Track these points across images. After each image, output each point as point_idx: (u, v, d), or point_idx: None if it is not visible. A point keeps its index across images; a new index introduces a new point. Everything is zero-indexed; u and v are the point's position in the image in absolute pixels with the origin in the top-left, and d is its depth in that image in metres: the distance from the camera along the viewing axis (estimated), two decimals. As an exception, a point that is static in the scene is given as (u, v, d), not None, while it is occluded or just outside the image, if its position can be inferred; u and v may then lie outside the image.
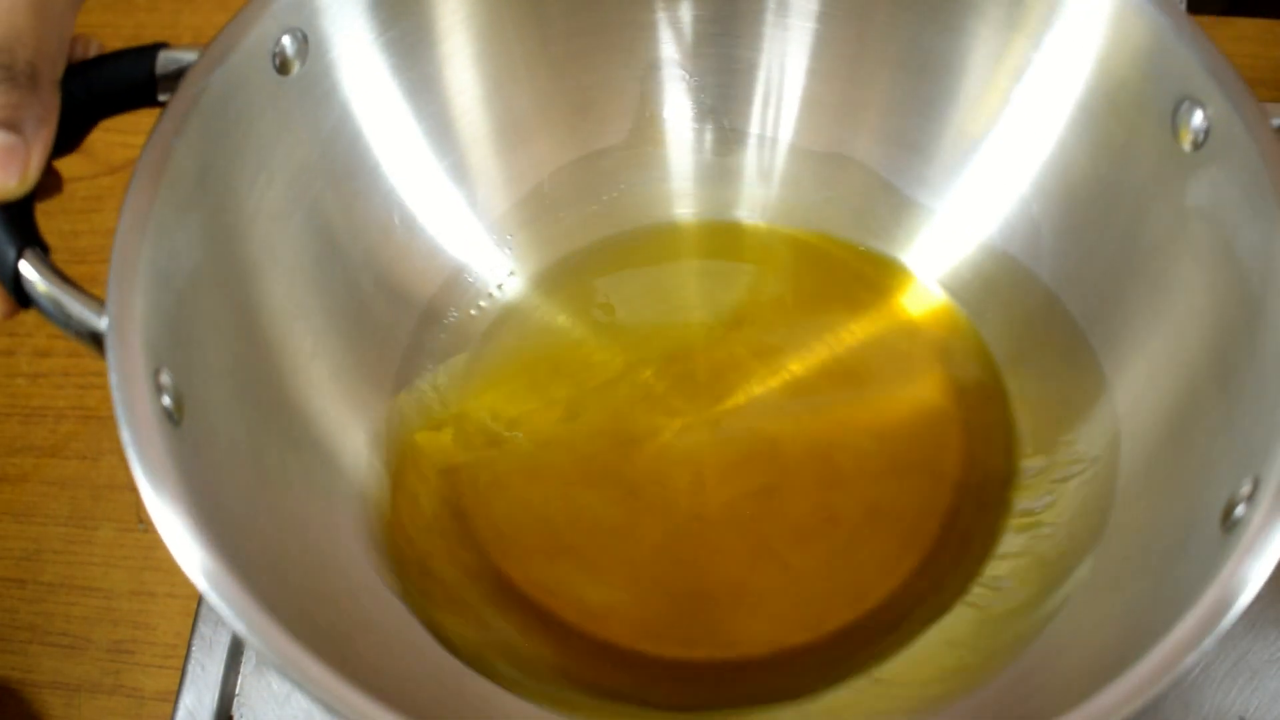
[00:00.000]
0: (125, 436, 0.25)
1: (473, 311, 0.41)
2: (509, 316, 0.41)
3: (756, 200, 0.43)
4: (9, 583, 0.42)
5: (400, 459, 0.37)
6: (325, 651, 0.24)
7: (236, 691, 0.39)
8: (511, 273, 0.41)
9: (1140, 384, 0.34)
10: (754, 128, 0.42)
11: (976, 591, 0.35)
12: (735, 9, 0.40)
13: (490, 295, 0.41)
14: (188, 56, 0.31)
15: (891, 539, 0.36)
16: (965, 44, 0.37)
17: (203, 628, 0.40)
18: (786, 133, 0.42)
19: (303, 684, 0.24)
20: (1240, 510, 0.26)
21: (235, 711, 0.39)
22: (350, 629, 0.30)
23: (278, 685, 0.39)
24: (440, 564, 0.36)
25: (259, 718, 0.39)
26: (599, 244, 0.42)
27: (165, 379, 0.27)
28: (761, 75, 0.41)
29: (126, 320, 0.27)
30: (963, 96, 0.39)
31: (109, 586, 0.42)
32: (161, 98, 0.31)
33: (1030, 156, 0.37)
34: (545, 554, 0.36)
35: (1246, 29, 0.51)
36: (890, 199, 0.41)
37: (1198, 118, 0.30)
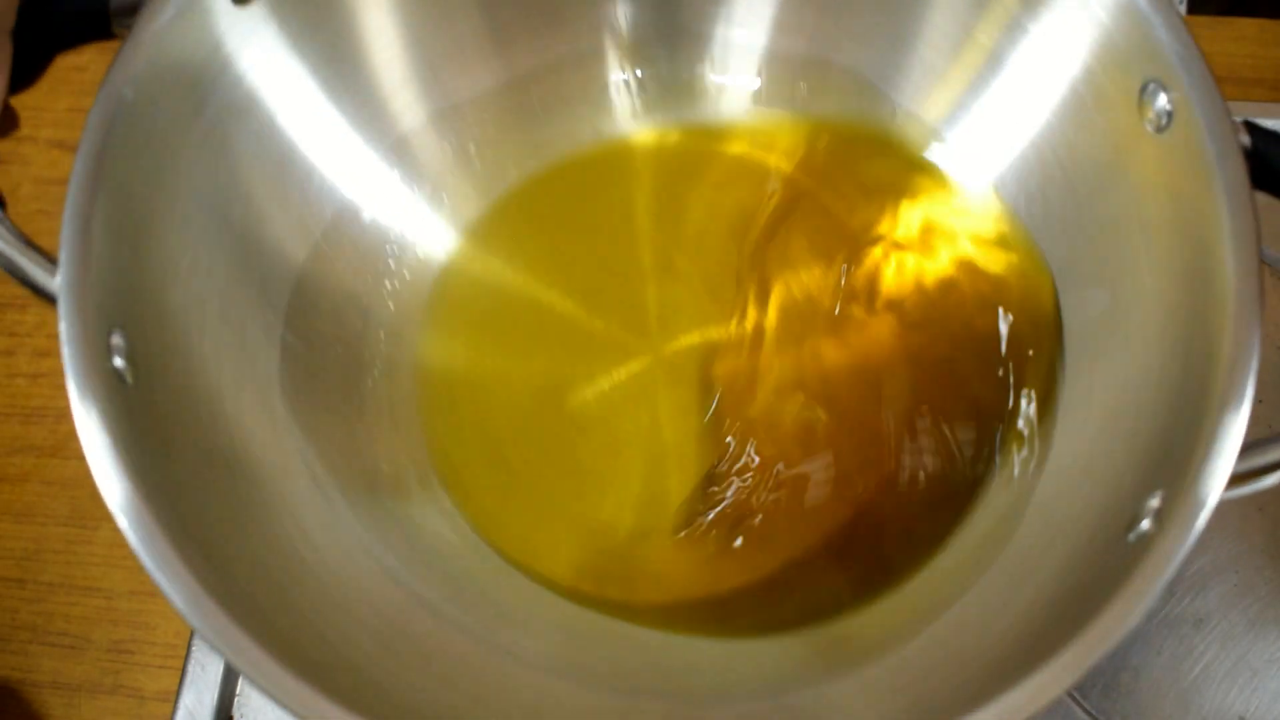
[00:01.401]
0: (73, 396, 0.25)
1: (426, 272, 0.40)
2: (453, 267, 0.40)
3: (713, 122, 0.41)
4: (9, 583, 0.42)
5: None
6: (265, 617, 0.24)
7: (237, 692, 0.39)
8: (449, 219, 0.40)
9: (1082, 366, 0.34)
10: (714, 50, 0.41)
11: (902, 548, 0.35)
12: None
13: (432, 249, 0.40)
14: None
15: (838, 482, 0.36)
16: None
17: (203, 628, 0.40)
18: (749, 61, 0.41)
19: (221, 649, 0.24)
20: (1146, 524, 0.26)
21: (235, 711, 0.39)
22: (289, 593, 0.30)
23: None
24: (395, 500, 0.36)
25: (259, 718, 0.39)
26: (542, 177, 0.41)
27: (117, 340, 0.27)
28: None
29: (80, 279, 0.26)
30: (939, 42, 0.38)
31: (109, 586, 0.42)
32: (117, 31, 0.30)
33: (1001, 109, 0.37)
34: (496, 490, 0.36)
35: (1246, 29, 0.51)
36: (855, 133, 0.40)
37: (1162, 100, 0.30)
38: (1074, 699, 0.37)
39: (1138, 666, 0.38)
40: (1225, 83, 0.49)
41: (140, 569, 0.43)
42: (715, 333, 0.38)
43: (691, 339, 0.38)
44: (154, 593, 0.43)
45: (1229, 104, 0.28)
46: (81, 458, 0.25)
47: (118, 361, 0.26)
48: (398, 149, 0.39)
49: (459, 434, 0.37)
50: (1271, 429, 0.41)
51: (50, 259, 0.27)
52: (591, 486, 0.37)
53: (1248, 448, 0.25)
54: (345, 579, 0.32)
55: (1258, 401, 0.42)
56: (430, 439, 0.37)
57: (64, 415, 0.46)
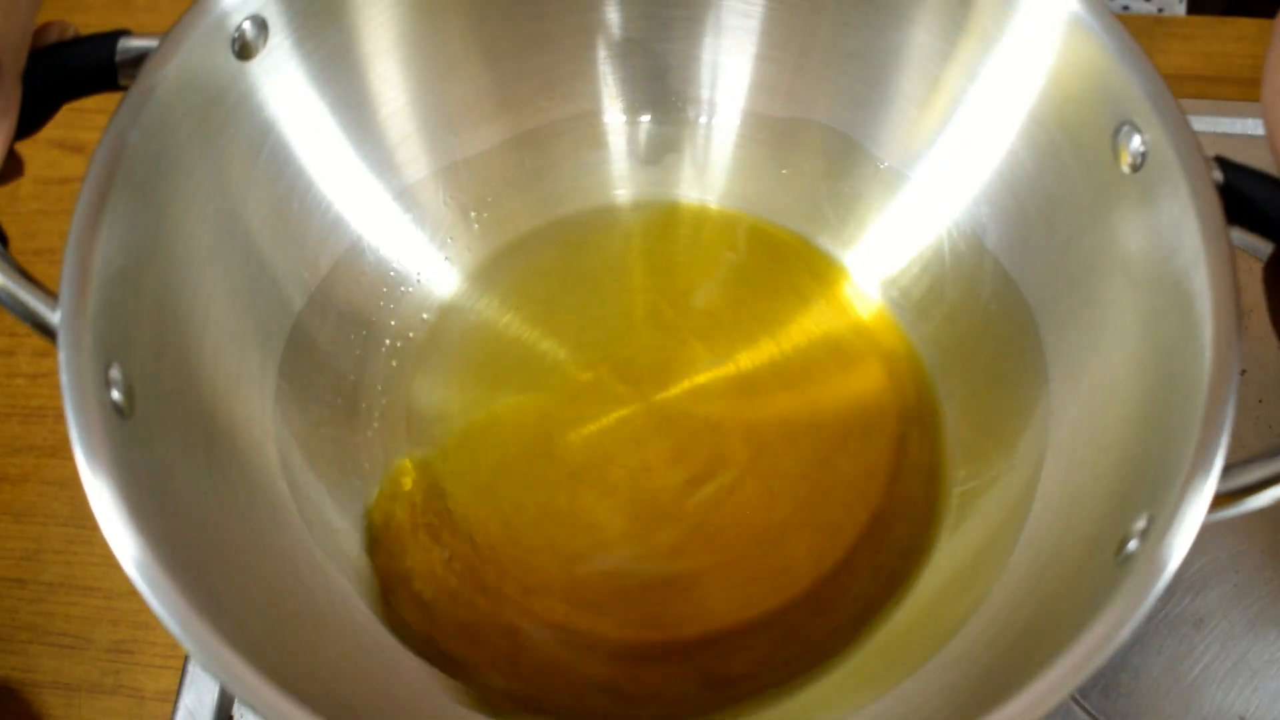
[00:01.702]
0: (72, 432, 0.25)
1: (425, 315, 0.41)
2: (451, 311, 0.41)
3: (702, 184, 0.43)
4: (9, 583, 0.42)
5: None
6: (261, 645, 0.25)
7: (236, 691, 0.39)
8: (450, 264, 0.41)
9: (1069, 402, 0.34)
10: (701, 113, 0.42)
11: (894, 592, 0.35)
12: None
13: (432, 292, 0.41)
14: (148, 43, 0.31)
15: (821, 530, 0.37)
16: (912, 38, 0.37)
17: (203, 628, 0.40)
18: (732, 122, 0.42)
19: (227, 681, 0.24)
20: (1133, 545, 0.26)
21: (235, 711, 0.39)
22: (292, 617, 0.30)
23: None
24: (395, 555, 0.36)
25: (259, 718, 0.39)
26: (540, 231, 0.42)
27: (115, 374, 0.27)
28: (707, 59, 0.41)
29: (79, 314, 0.27)
30: (910, 91, 0.39)
31: (109, 586, 0.42)
32: (123, 83, 0.31)
33: (980, 159, 0.38)
34: (488, 536, 0.37)
35: (1246, 29, 0.51)
36: (837, 190, 0.41)
37: (1136, 142, 0.30)
38: (1074, 700, 0.37)
39: (1138, 667, 0.38)
40: (1225, 83, 0.49)
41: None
42: (703, 383, 0.39)
43: (680, 388, 0.39)
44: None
45: (1228, 103, 0.28)
46: (81, 458, 0.25)
47: (115, 395, 0.27)
48: (401, 198, 0.40)
49: (451, 478, 0.38)
50: (1272, 429, 0.41)
51: (50, 292, 0.27)
52: (583, 532, 0.37)
53: (1231, 467, 0.25)
54: (335, 620, 0.32)
55: (1257, 401, 0.42)
56: (421, 488, 0.38)
57: (64, 415, 0.46)
